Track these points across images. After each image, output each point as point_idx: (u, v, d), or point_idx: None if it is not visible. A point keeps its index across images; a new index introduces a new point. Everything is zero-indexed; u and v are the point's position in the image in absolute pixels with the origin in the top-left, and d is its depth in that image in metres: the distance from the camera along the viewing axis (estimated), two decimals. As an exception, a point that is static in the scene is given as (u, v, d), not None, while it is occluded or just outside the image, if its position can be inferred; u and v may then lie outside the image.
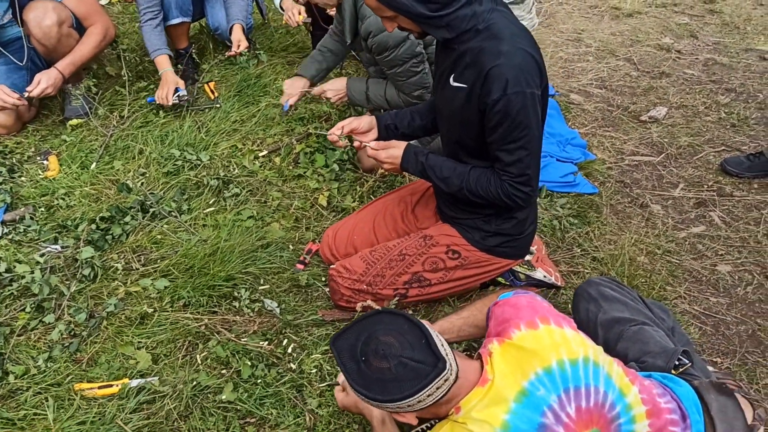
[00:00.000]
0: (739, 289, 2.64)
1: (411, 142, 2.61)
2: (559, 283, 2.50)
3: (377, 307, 2.30)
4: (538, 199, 2.96)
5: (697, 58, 4.61)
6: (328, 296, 2.45)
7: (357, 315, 2.34)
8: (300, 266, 2.57)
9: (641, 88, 4.19)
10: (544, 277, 2.45)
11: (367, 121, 2.38)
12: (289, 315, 2.35)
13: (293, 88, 3.13)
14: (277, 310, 2.36)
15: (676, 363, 1.87)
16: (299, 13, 3.77)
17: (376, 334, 1.57)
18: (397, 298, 2.32)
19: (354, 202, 2.87)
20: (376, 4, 1.93)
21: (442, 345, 1.58)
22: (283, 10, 3.86)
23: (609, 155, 3.49)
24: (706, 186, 3.23)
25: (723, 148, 3.53)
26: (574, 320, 2.15)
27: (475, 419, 1.53)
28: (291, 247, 2.67)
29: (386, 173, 2.96)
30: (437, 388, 1.52)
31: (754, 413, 1.96)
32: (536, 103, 1.95)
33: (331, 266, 2.42)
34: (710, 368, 2.17)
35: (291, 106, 3.10)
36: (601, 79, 4.32)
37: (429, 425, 1.73)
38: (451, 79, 2.05)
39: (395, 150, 2.25)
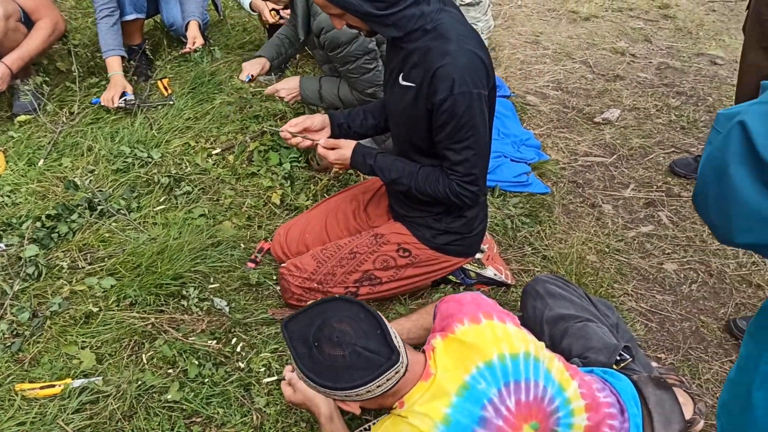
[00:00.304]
0: (684, 286, 2.69)
1: (365, 140, 2.62)
2: (509, 282, 2.52)
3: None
4: (490, 198, 2.99)
5: (650, 62, 4.70)
6: (279, 295, 2.44)
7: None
8: (251, 265, 2.55)
9: (596, 91, 4.26)
10: (495, 275, 2.47)
11: (320, 119, 2.38)
12: (238, 314, 2.33)
13: (252, 65, 3.12)
14: (227, 308, 2.33)
15: (618, 358, 1.91)
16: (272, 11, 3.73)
17: (330, 321, 1.57)
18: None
19: (308, 200, 2.86)
20: (323, 2, 1.93)
21: (396, 337, 1.59)
22: (253, 11, 3.82)
23: (563, 156, 3.54)
24: (655, 186, 3.30)
25: (672, 149, 3.61)
26: (522, 317, 2.18)
27: (417, 413, 1.54)
28: (242, 245, 2.65)
29: (339, 172, 2.96)
30: (388, 380, 1.53)
31: (694, 407, 2.01)
32: (483, 103, 1.96)
33: (282, 265, 2.41)
34: (654, 364, 2.22)
35: (253, 77, 3.08)
36: (558, 81, 4.37)
37: (368, 427, 1.74)
38: (400, 78, 2.06)
39: (344, 151, 2.26)
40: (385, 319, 1.62)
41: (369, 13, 1.90)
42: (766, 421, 0.96)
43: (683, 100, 4.12)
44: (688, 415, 1.92)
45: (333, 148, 2.28)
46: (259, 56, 3.16)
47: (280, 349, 2.22)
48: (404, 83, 2.05)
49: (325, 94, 2.99)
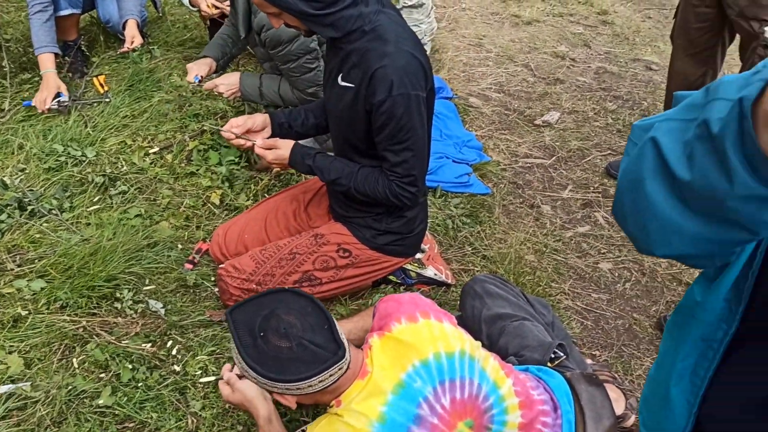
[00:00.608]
0: (619, 285, 2.76)
1: (307, 140, 2.60)
2: (449, 281, 2.55)
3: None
4: (432, 199, 3.01)
5: (589, 66, 4.81)
6: (217, 297, 2.40)
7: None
8: (189, 266, 2.50)
9: (537, 94, 4.33)
10: (435, 275, 2.49)
11: (261, 119, 2.36)
12: (174, 316, 2.28)
13: (199, 65, 3.06)
14: (162, 311, 2.29)
15: (552, 356, 1.94)
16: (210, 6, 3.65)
17: (278, 312, 1.56)
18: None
19: (248, 200, 2.83)
20: (260, 1, 1.91)
21: (342, 333, 1.59)
22: (193, 7, 3.74)
23: (504, 157, 3.59)
24: (592, 188, 3.38)
25: (609, 151, 3.70)
26: (460, 317, 2.20)
27: (353, 411, 1.54)
28: (180, 246, 2.60)
29: (280, 171, 2.94)
30: (330, 375, 1.53)
31: (626, 403, 2.06)
32: (421, 104, 1.98)
33: (221, 266, 2.38)
34: (589, 361, 2.27)
35: (202, 77, 3.02)
36: (500, 84, 4.43)
37: (305, 429, 1.72)
38: (339, 79, 2.05)
39: (282, 151, 2.24)
40: (332, 315, 1.61)
41: (306, 13, 1.89)
42: (683, 417, 0.99)
43: (620, 104, 4.23)
44: (619, 410, 1.98)
45: (271, 148, 2.26)
46: (205, 56, 3.11)
47: (218, 351, 2.19)
48: (343, 84, 2.04)
49: (266, 92, 2.96)
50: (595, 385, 1.83)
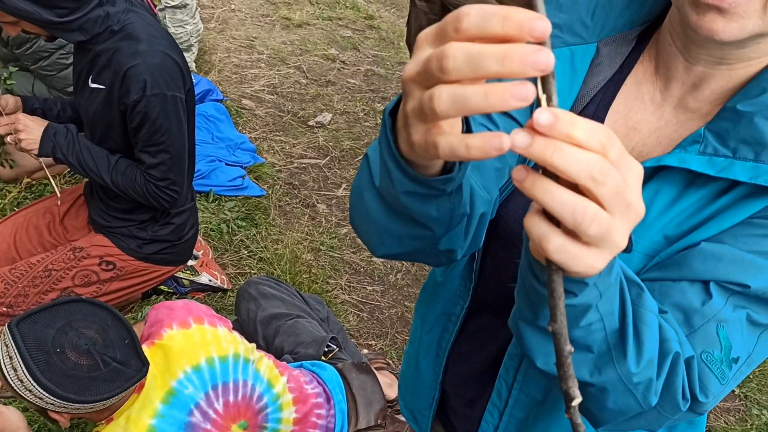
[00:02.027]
0: (391, 276, 2.92)
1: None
2: (225, 286, 2.52)
3: None
4: (205, 203, 2.95)
5: (358, 69, 5.01)
6: (-41, 325, 2.15)
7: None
8: None
9: (309, 95, 4.42)
10: (210, 281, 2.45)
11: (12, 101, 2.08)
12: None
13: None
14: None
15: (326, 349, 2.01)
16: None
17: (75, 325, 1.40)
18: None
19: (-5, 216, 2.56)
20: None
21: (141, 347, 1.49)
22: None
23: (279, 158, 3.62)
24: (364, 185, 3.53)
25: (378, 150, 3.89)
26: (237, 321, 2.19)
27: (121, 428, 1.46)
28: None
29: (31, 181, 2.69)
30: (127, 393, 1.42)
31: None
32: (178, 105, 1.93)
33: (-38, 290, 2.13)
34: (364, 351, 2.38)
35: None
36: (273, 86, 4.46)
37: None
38: (89, 80, 1.94)
39: (36, 124, 1.98)
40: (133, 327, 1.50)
41: (50, 21, 1.75)
42: (432, 388, 1.09)
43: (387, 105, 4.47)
44: (393, 394, 2.09)
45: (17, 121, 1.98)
46: None
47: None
48: (94, 85, 1.93)
49: (18, 92, 2.69)
50: (366, 372, 1.92)
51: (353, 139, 3.95)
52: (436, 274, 1.08)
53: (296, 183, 3.43)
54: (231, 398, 1.56)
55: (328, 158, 3.72)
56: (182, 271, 2.38)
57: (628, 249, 0.53)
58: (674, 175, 0.76)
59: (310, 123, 4.05)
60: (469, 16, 0.44)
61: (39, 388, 1.34)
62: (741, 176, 0.71)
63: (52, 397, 1.35)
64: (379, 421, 1.84)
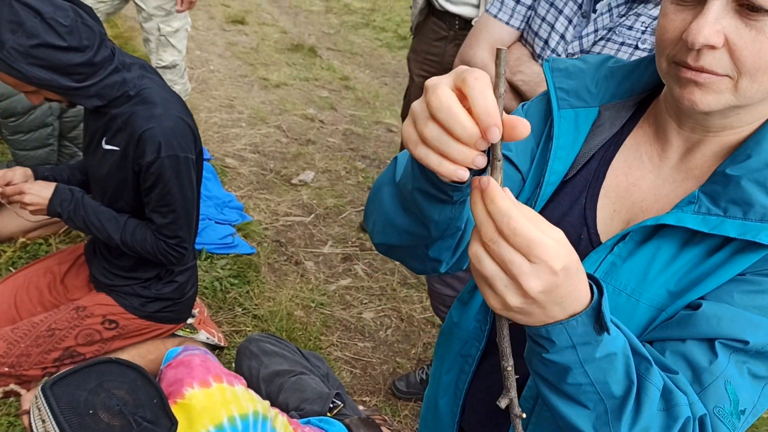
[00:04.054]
0: (381, 332, 2.97)
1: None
2: (222, 344, 2.54)
3: (22, 391, 2.07)
4: (198, 261, 2.98)
5: (337, 128, 5.13)
6: (-43, 386, 2.12)
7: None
8: None
9: (291, 154, 4.51)
10: (207, 338, 2.46)
11: (21, 171, 2.11)
12: None
13: None
14: None
15: (331, 406, 2.04)
16: None
17: (107, 386, 1.43)
18: (45, 378, 2.11)
19: (-11, 275, 2.56)
20: (15, 81, 1.81)
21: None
22: None
23: (265, 216, 3.68)
24: (350, 242, 3.60)
25: (362, 207, 3.97)
26: (237, 379, 2.21)
27: None
28: None
29: (26, 241, 2.70)
30: None
31: (398, 442, 2.22)
32: (190, 166, 1.99)
33: (-39, 350, 2.11)
34: (360, 407, 2.40)
35: None
36: (255, 145, 4.54)
37: None
38: (103, 142, 1.99)
39: (41, 189, 2.02)
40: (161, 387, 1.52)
41: (69, 87, 1.82)
42: (450, 427, 1.14)
43: (368, 163, 4.58)
44: (393, 450, 2.12)
45: (21, 192, 2.02)
46: None
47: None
48: (107, 147, 1.99)
49: None
50: (373, 427, 1.96)
51: (336, 197, 4.03)
52: (453, 315, 1.15)
53: (283, 240, 3.49)
54: (250, 455, 1.59)
55: (312, 215, 3.80)
56: (182, 329, 2.39)
57: (601, 330, 0.71)
58: (673, 233, 0.86)
59: (293, 181, 4.13)
60: (440, 112, 0.62)
61: None
62: (731, 233, 0.81)
63: None
64: (387, 476, 1.88)
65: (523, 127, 0.62)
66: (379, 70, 6.71)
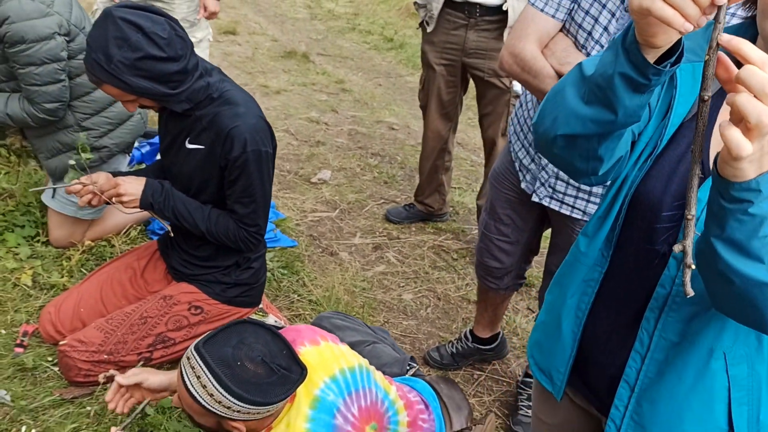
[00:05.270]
0: (422, 311, 3.20)
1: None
2: (287, 326, 2.74)
3: (120, 376, 2.25)
4: (248, 256, 3.18)
5: (342, 129, 5.35)
6: (59, 375, 2.30)
7: (100, 387, 2.25)
8: (19, 350, 2.35)
9: (304, 155, 4.72)
10: (276, 321, 2.67)
11: (104, 176, 2.24)
12: (22, 401, 2.15)
13: None
14: (7, 397, 2.14)
15: (407, 368, 2.26)
16: None
17: (247, 341, 1.64)
18: (141, 363, 2.30)
19: (62, 277, 2.73)
20: (119, 92, 2.01)
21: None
22: None
23: (294, 213, 3.88)
24: (378, 233, 3.82)
25: (382, 200, 4.20)
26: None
27: None
28: (3, 331, 2.43)
29: (91, 243, 2.87)
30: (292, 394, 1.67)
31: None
32: (270, 160, 2.21)
33: (61, 343, 2.29)
34: (420, 374, 2.62)
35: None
36: (269, 148, 4.73)
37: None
38: (186, 142, 2.20)
39: (133, 185, 2.21)
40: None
41: (165, 94, 2.03)
42: (569, 345, 1.35)
43: (379, 160, 4.81)
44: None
45: (121, 183, 2.19)
46: None
47: (80, 427, 2.12)
48: (191, 146, 2.19)
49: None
50: (450, 383, 2.19)
51: (356, 192, 4.25)
52: (580, 245, 1.35)
53: (315, 234, 3.70)
54: (363, 403, 1.80)
55: (337, 210, 4.01)
56: (255, 313, 2.60)
57: None
58: None
59: (313, 180, 4.34)
60: None
61: (231, 397, 1.56)
62: None
63: (241, 404, 1.57)
64: (468, 424, 2.10)
65: None
66: (371, 72, 6.93)
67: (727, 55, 0.84)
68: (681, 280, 1.13)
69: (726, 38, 0.81)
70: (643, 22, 0.89)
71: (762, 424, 1.27)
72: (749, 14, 1.18)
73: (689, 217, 0.85)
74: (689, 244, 0.86)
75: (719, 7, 0.83)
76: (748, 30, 1.17)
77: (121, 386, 1.89)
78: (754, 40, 1.15)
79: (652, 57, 0.95)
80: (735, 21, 1.36)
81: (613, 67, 0.97)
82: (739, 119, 0.81)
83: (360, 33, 8.23)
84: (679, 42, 0.95)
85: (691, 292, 0.86)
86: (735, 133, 0.81)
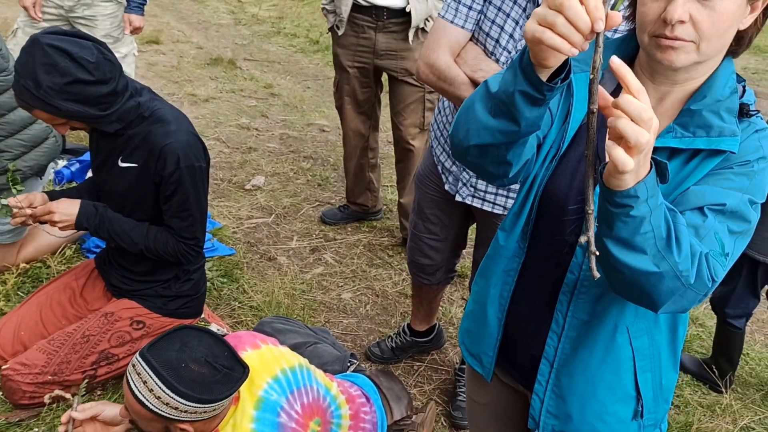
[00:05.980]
0: (361, 309, 3.32)
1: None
2: (230, 333, 2.81)
3: (67, 395, 2.28)
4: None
5: (273, 134, 5.40)
6: (3, 400, 2.32)
7: (46, 407, 2.28)
8: (-41, 377, 2.35)
9: (237, 162, 4.76)
10: (218, 329, 2.73)
11: (40, 196, 2.30)
12: (-33, 428, 2.16)
13: None
14: (-48, 426, 2.14)
15: (348, 364, 2.38)
16: None
17: (189, 345, 1.72)
18: (86, 381, 2.33)
19: (-1, 301, 2.72)
20: (48, 117, 2.05)
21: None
22: None
23: (230, 221, 3.94)
24: (314, 235, 3.92)
25: (317, 203, 4.30)
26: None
27: None
28: (-59, 360, 2.42)
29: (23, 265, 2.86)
30: (235, 393, 1.75)
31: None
32: (204, 174, 2.28)
33: (3, 367, 2.30)
34: (362, 370, 2.74)
35: None
36: (201, 158, 4.75)
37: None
38: (119, 161, 2.24)
39: (67, 207, 2.25)
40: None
41: (96, 116, 2.07)
42: (495, 331, 1.48)
43: (312, 163, 4.90)
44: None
45: (49, 212, 2.24)
46: None
47: (29, 449, 2.14)
48: (124, 165, 2.24)
49: None
50: (390, 376, 2.31)
51: (291, 196, 4.33)
52: (499, 239, 1.49)
53: (252, 241, 3.77)
54: (305, 400, 1.89)
55: (273, 216, 4.08)
56: (198, 323, 2.66)
57: (665, 180, 1.05)
58: (660, 154, 1.23)
59: (247, 187, 4.40)
60: (569, 9, 0.93)
61: (178, 397, 1.64)
62: (701, 146, 1.22)
63: (188, 403, 1.64)
64: (408, 413, 2.23)
65: (618, 18, 0.95)
66: (299, 75, 7.00)
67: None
68: (588, 265, 1.28)
69: (616, 64, 0.94)
70: (536, 48, 1.02)
71: (664, 387, 1.45)
72: (630, 27, 1.33)
73: (589, 212, 1.00)
74: (591, 234, 1.01)
75: (598, 34, 0.96)
76: (630, 42, 1.33)
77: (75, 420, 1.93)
78: (636, 50, 1.31)
79: (544, 75, 1.08)
80: (618, 35, 1.52)
81: (513, 86, 1.10)
82: (617, 137, 0.96)
83: (285, 36, 8.27)
84: (566, 61, 1.09)
85: (597, 275, 1.01)
86: (620, 153, 0.96)
